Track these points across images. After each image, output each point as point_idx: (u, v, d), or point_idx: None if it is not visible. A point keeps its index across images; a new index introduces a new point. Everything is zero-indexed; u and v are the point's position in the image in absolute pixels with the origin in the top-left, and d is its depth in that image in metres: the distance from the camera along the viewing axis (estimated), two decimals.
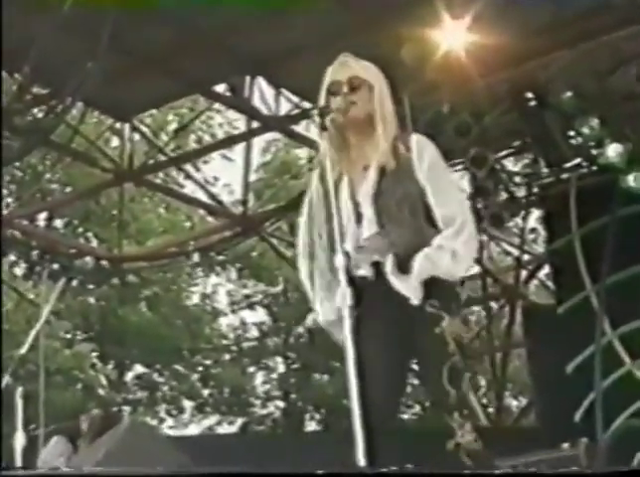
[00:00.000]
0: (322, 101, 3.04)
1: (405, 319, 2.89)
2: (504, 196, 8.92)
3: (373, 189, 2.99)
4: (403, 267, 2.90)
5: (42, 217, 15.78)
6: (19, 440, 3.94)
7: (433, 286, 2.88)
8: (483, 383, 15.30)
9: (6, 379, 4.00)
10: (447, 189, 3.01)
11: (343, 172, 3.03)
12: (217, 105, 12.00)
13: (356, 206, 3.00)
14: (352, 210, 3.00)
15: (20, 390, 4.00)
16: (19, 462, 3.91)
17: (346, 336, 2.63)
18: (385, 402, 2.85)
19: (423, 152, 3.02)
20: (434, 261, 2.89)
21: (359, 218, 2.99)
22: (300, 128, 9.97)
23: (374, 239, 2.95)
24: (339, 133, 3.03)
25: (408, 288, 2.87)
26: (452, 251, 2.90)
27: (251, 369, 18.63)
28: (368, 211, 2.98)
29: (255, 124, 9.53)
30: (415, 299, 2.86)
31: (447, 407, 2.84)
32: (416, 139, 3.06)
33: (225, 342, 18.60)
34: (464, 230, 2.94)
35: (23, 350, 4.09)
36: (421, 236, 2.95)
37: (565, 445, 5.37)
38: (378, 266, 2.94)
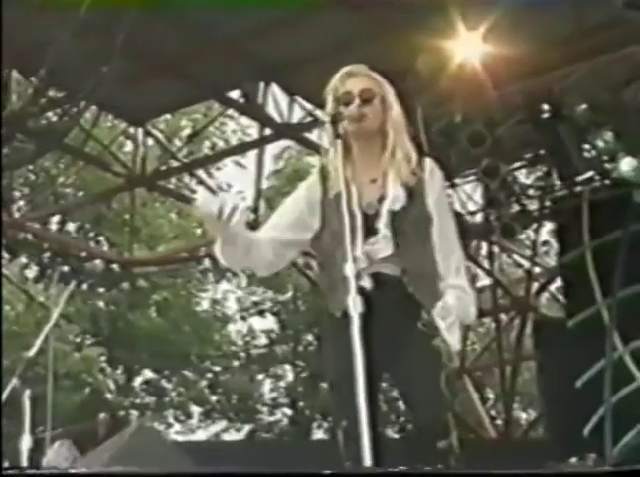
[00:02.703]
0: (330, 110, 3.01)
1: (398, 333, 2.90)
2: (516, 207, 8.90)
3: (395, 205, 2.97)
4: (425, 292, 2.94)
5: (54, 220, 15.84)
6: (25, 443, 3.93)
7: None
8: (492, 395, 15.26)
9: (14, 381, 4.00)
10: (451, 221, 3.05)
11: (350, 181, 2.99)
12: (230, 112, 12.03)
13: (366, 218, 2.97)
14: (361, 221, 2.96)
15: (28, 392, 3.99)
16: (25, 464, 3.91)
17: (355, 343, 2.62)
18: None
19: (436, 178, 3.05)
20: (461, 306, 2.97)
21: (369, 230, 2.95)
22: (313, 136, 9.98)
23: (389, 260, 2.95)
24: (345, 143, 3.00)
25: (453, 335, 2.93)
26: (463, 289, 2.99)
27: (260, 376, 18.63)
28: (383, 226, 2.96)
29: (269, 131, 9.54)
30: (456, 345, 2.92)
31: (444, 408, 2.90)
32: (429, 162, 3.06)
33: (233, 348, 18.60)
34: (462, 266, 3.02)
35: (32, 352, 4.09)
36: (429, 260, 2.98)
37: (574, 460, 5.33)
38: (377, 277, 2.94)
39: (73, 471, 4.42)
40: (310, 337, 18.39)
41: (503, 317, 12.39)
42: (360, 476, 2.62)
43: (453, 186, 9.14)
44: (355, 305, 2.65)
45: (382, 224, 2.96)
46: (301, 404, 18.26)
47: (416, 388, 2.96)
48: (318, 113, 8.92)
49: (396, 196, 2.98)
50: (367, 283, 2.91)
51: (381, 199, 3.00)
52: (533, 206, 9.40)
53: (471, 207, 10.28)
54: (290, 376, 18.74)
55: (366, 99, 3.01)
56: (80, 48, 6.81)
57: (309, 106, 9.08)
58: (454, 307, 2.94)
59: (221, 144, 16.32)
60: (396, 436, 15.69)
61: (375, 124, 3.03)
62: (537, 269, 12.02)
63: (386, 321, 2.86)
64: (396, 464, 2.64)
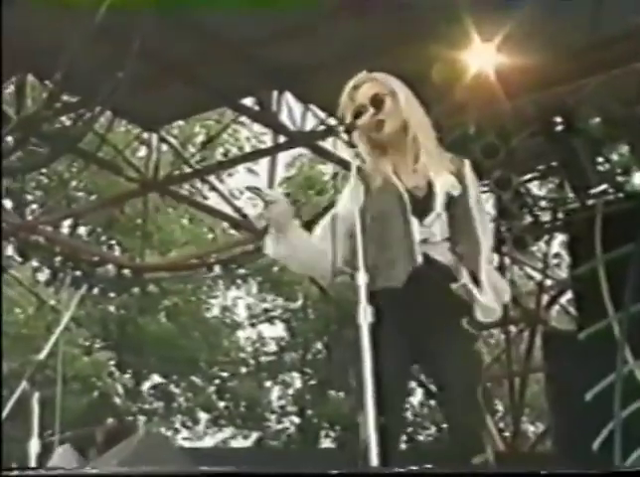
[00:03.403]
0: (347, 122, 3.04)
1: (440, 325, 2.91)
2: (528, 219, 8.88)
3: (451, 190, 3.01)
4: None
5: (66, 224, 15.88)
6: (34, 447, 3.93)
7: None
8: (500, 407, 15.20)
9: (23, 384, 4.00)
10: (487, 219, 3.17)
11: (390, 174, 3.03)
12: (244, 119, 12.04)
13: (415, 200, 2.99)
14: (410, 202, 2.98)
15: (37, 395, 3.99)
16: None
17: (364, 352, 2.61)
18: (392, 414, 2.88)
19: (473, 178, 3.11)
20: (494, 280, 3.03)
21: (422, 211, 2.98)
22: (327, 144, 9.97)
23: (444, 244, 2.99)
24: (376, 146, 3.06)
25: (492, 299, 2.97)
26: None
27: (268, 383, 18.61)
28: (439, 206, 2.99)
29: (282, 139, 9.54)
30: (498, 311, 2.97)
31: (480, 424, 2.86)
32: (468, 163, 3.13)
33: (242, 355, 18.59)
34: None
35: (42, 355, 4.09)
36: (477, 248, 3.02)
37: None
38: (429, 259, 2.96)
39: (73, 472, 4.42)
40: (319, 345, 18.37)
41: (512, 329, 12.35)
42: (363, 476, 2.61)
43: None
44: (365, 315, 2.65)
45: (437, 204, 2.99)
46: (309, 412, 18.23)
47: (453, 396, 2.93)
48: (331, 121, 8.93)
49: (446, 180, 3.01)
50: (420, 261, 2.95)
51: (430, 184, 3.01)
52: (545, 218, 9.38)
53: None
54: (298, 383, 18.72)
55: (377, 104, 3.03)
56: (96, 52, 6.83)
57: (322, 115, 9.08)
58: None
59: (234, 151, 16.35)
60: (403, 446, 15.65)
61: (396, 123, 3.06)
62: (548, 281, 11.97)
63: (429, 311, 2.90)
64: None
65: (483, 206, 3.15)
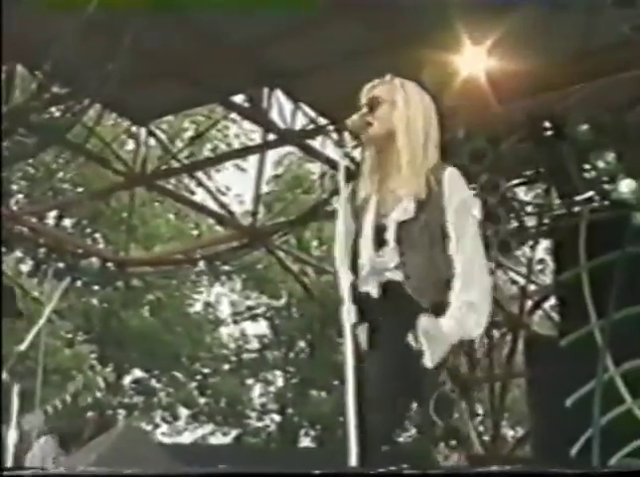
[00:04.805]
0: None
1: (400, 345, 2.86)
2: (514, 224, 8.90)
3: (402, 217, 2.94)
4: (426, 296, 2.86)
5: (51, 215, 15.82)
6: (11, 437, 3.91)
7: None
8: (480, 410, 15.25)
9: (4, 375, 3.98)
10: (468, 235, 2.96)
11: (372, 193, 3.01)
12: (233, 116, 12.03)
13: (379, 229, 2.96)
14: (374, 231, 2.96)
15: (17, 387, 3.97)
16: (10, 459, 3.89)
17: (348, 352, 2.62)
18: (380, 425, 2.86)
19: (455, 189, 2.98)
20: (462, 323, 2.84)
21: (380, 241, 2.95)
22: (315, 143, 9.97)
23: (396, 269, 2.93)
24: (374, 155, 3.03)
25: (434, 352, 2.81)
26: (469, 304, 2.85)
27: (250, 381, 18.60)
28: (392, 237, 2.94)
29: (271, 137, 9.54)
30: (430, 362, 2.80)
31: (433, 439, 2.82)
32: (449, 173, 3.00)
33: (224, 352, 18.58)
34: (478, 278, 2.90)
35: (23, 347, 4.07)
36: (436, 265, 2.90)
37: None
38: (385, 286, 2.92)
39: (73, 472, 4.42)
40: (302, 344, 18.37)
41: (495, 333, 12.37)
42: (351, 476, 2.63)
43: None
44: (349, 315, 2.66)
45: (389, 236, 2.95)
46: (290, 411, 18.23)
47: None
48: (322, 121, 8.93)
49: (405, 209, 2.95)
50: (374, 290, 2.92)
51: (393, 210, 2.98)
52: (531, 223, 9.41)
53: None
54: (280, 382, 18.72)
55: (372, 106, 3.02)
56: (87, 45, 6.81)
57: (312, 114, 9.07)
58: (445, 333, 2.82)
59: (223, 147, 16.33)
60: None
61: (382, 129, 3.01)
62: (532, 287, 12.01)
63: (392, 328, 2.87)
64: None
65: (464, 221, 2.95)
